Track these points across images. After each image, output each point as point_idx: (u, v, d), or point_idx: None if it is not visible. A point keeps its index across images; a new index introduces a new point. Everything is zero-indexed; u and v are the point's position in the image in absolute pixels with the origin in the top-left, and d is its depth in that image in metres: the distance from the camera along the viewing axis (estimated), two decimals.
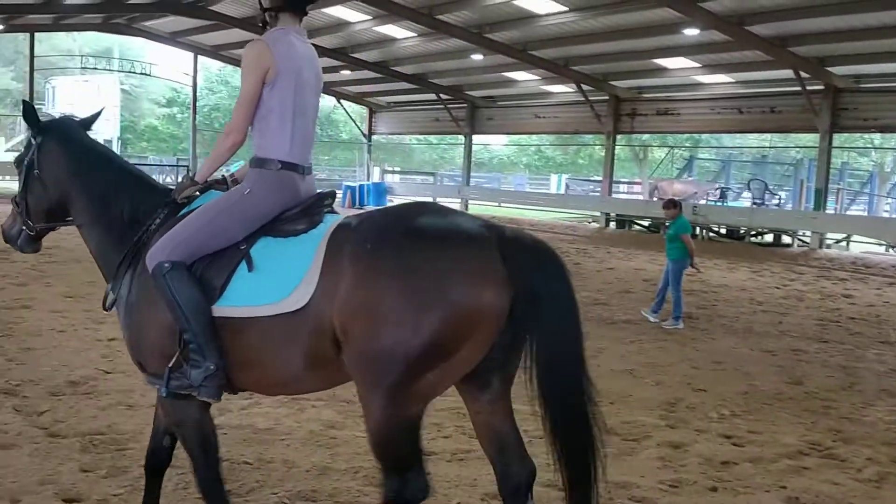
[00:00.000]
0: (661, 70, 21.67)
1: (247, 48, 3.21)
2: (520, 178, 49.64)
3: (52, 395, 5.44)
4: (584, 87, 23.37)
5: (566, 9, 17.89)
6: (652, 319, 9.51)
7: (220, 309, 3.00)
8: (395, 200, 31.79)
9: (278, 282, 2.92)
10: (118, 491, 3.94)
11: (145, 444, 4.55)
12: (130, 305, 3.21)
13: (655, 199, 22.60)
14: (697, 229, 19.77)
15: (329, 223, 3.07)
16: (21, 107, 3.89)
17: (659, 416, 5.75)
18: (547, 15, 18.50)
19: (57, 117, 3.89)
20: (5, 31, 26.51)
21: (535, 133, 33.19)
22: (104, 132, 39.39)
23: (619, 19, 18.11)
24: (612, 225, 24.52)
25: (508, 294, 2.70)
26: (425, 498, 2.84)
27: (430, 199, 20.06)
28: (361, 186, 30.66)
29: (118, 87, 41.81)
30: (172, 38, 28.46)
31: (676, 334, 8.94)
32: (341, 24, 22.32)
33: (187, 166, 30.75)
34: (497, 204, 29.68)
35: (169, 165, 36.13)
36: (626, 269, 14.85)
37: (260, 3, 3.31)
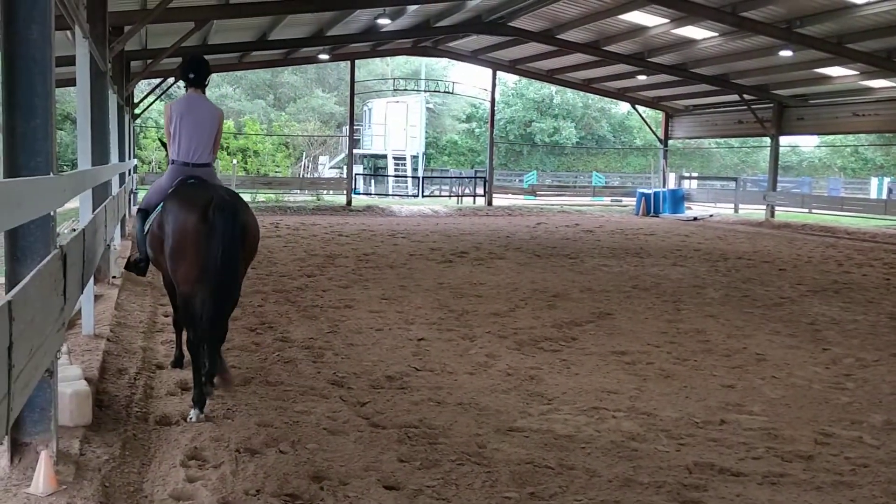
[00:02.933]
0: None
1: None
2: (834, 181, 45.41)
3: (372, 387, 5.94)
4: None
5: None
6: None
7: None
8: (693, 208, 30.65)
9: (151, 219, 5.57)
10: (431, 483, 4.17)
11: (455, 439, 4.82)
12: None
13: None
14: None
15: None
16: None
17: None
18: (866, 4, 16.67)
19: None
20: (331, 60, 29.64)
21: (853, 133, 30.13)
22: (411, 149, 42.53)
23: None
24: None
25: (204, 222, 4.93)
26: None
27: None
28: (657, 193, 29.83)
29: (424, 105, 44.79)
30: (474, 56, 29.86)
31: None
32: (638, 30, 21.99)
33: (484, 177, 32.07)
34: (807, 210, 27.34)
35: (468, 177, 37.97)
36: None
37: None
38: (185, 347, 5.84)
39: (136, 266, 5.92)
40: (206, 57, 5.94)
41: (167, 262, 5.17)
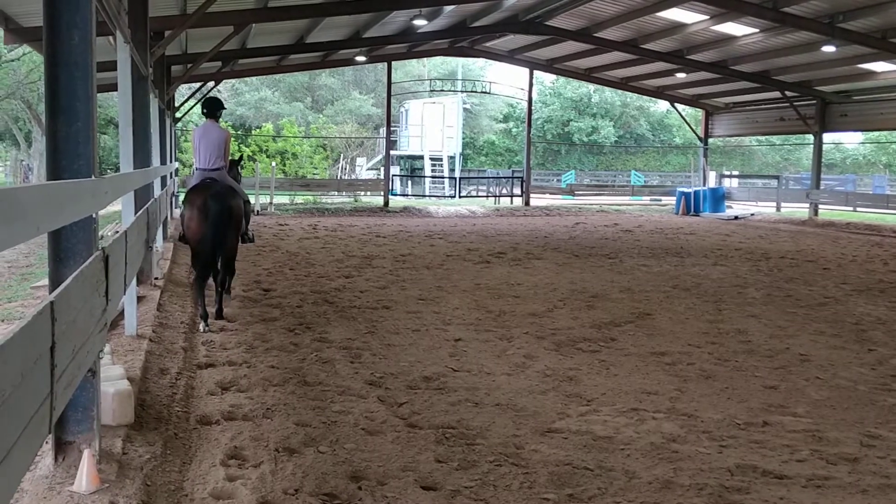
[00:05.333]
0: None
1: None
2: (879, 179, 44.49)
3: (409, 388, 5.94)
4: None
5: None
6: None
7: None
8: (734, 207, 30.23)
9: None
10: (469, 483, 4.16)
11: (492, 440, 4.81)
12: None
13: None
14: None
15: None
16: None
17: None
18: None
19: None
20: (368, 62, 29.76)
21: None
22: (448, 149, 42.54)
23: None
24: None
25: (204, 206, 7.83)
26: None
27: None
28: (697, 192, 29.43)
29: (461, 106, 44.72)
30: (510, 56, 29.75)
31: None
32: (676, 27, 21.72)
33: (521, 177, 31.96)
34: (852, 208, 26.78)
35: (505, 177, 37.86)
36: None
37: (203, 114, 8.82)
38: (200, 303, 8.00)
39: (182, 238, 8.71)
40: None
41: (185, 231, 8.17)
